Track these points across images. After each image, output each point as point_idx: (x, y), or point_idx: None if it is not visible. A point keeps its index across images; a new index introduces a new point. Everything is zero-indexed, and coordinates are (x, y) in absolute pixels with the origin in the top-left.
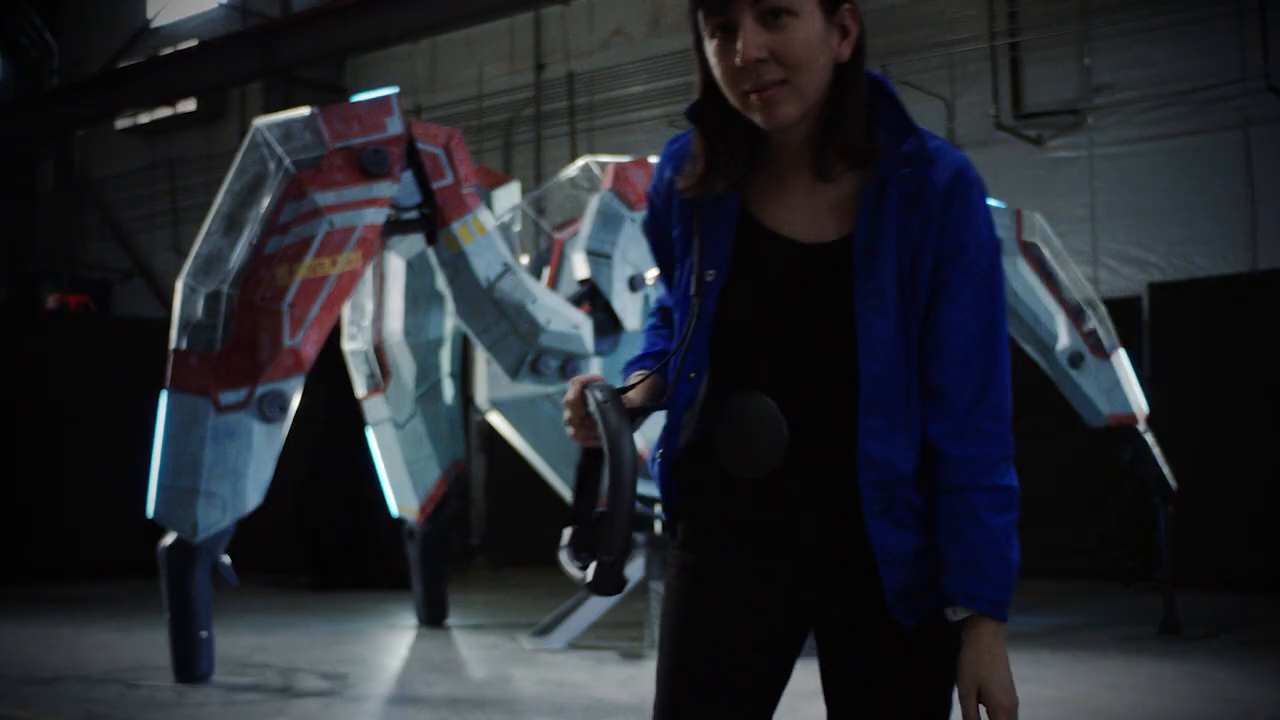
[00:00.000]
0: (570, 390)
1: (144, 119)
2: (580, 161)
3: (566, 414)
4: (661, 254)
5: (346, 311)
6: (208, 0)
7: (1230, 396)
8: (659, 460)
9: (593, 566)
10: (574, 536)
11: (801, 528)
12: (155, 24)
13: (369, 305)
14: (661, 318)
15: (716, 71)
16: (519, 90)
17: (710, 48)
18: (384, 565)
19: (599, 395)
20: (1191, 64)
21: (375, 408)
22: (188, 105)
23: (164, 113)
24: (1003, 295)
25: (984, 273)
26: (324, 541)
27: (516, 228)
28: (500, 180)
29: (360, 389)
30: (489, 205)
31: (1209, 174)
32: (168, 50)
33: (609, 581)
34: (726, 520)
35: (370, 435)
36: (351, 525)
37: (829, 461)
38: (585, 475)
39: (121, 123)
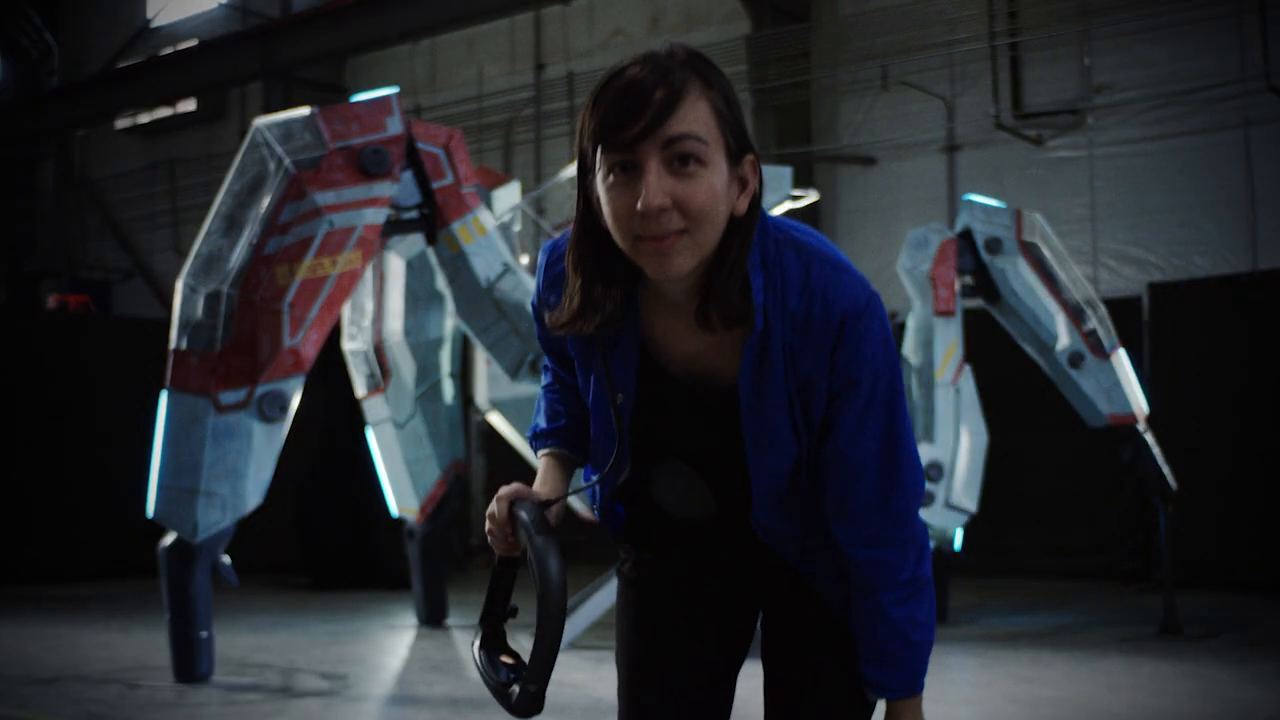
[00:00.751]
0: (496, 508)
1: (144, 119)
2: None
3: (490, 526)
4: (552, 350)
5: (346, 311)
6: (208, 0)
7: (1230, 396)
8: (598, 506)
9: (515, 690)
10: (486, 637)
11: (743, 560)
12: (155, 24)
13: (369, 305)
14: (556, 380)
15: (607, 210)
16: (519, 90)
17: (603, 184)
18: (384, 565)
19: (525, 517)
20: (1191, 64)
21: (375, 408)
22: (188, 105)
23: (164, 113)
24: (902, 404)
25: (882, 395)
26: (324, 541)
27: (517, 227)
28: (500, 180)
29: (360, 389)
30: (489, 205)
31: (1209, 174)
32: (167, 50)
33: (530, 708)
34: (675, 543)
35: (370, 435)
36: (351, 525)
37: (745, 529)
38: (500, 576)
39: (121, 123)
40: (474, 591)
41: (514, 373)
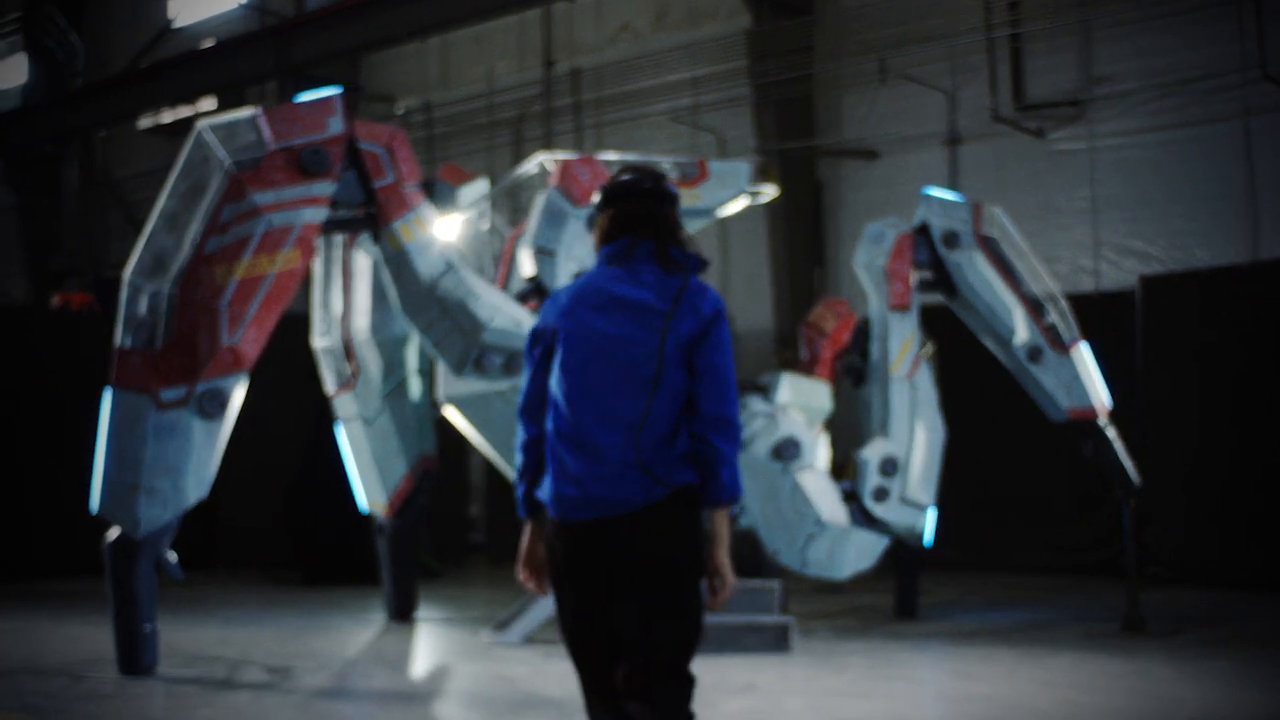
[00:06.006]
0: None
1: (166, 118)
2: (537, 158)
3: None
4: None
5: (317, 309)
6: (228, 0)
7: (1229, 388)
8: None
9: None
10: None
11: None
12: (177, 25)
13: (337, 303)
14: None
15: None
16: (528, 86)
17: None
18: (373, 560)
19: None
20: (1191, 54)
21: (345, 404)
22: (208, 104)
23: (186, 112)
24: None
25: (727, 338)
26: (314, 537)
27: (486, 224)
28: (467, 177)
29: (330, 386)
30: (455, 202)
31: (1209, 165)
32: (188, 50)
33: None
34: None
35: (340, 432)
36: (341, 521)
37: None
38: None
39: (144, 122)
40: (472, 587)
41: (459, 369)
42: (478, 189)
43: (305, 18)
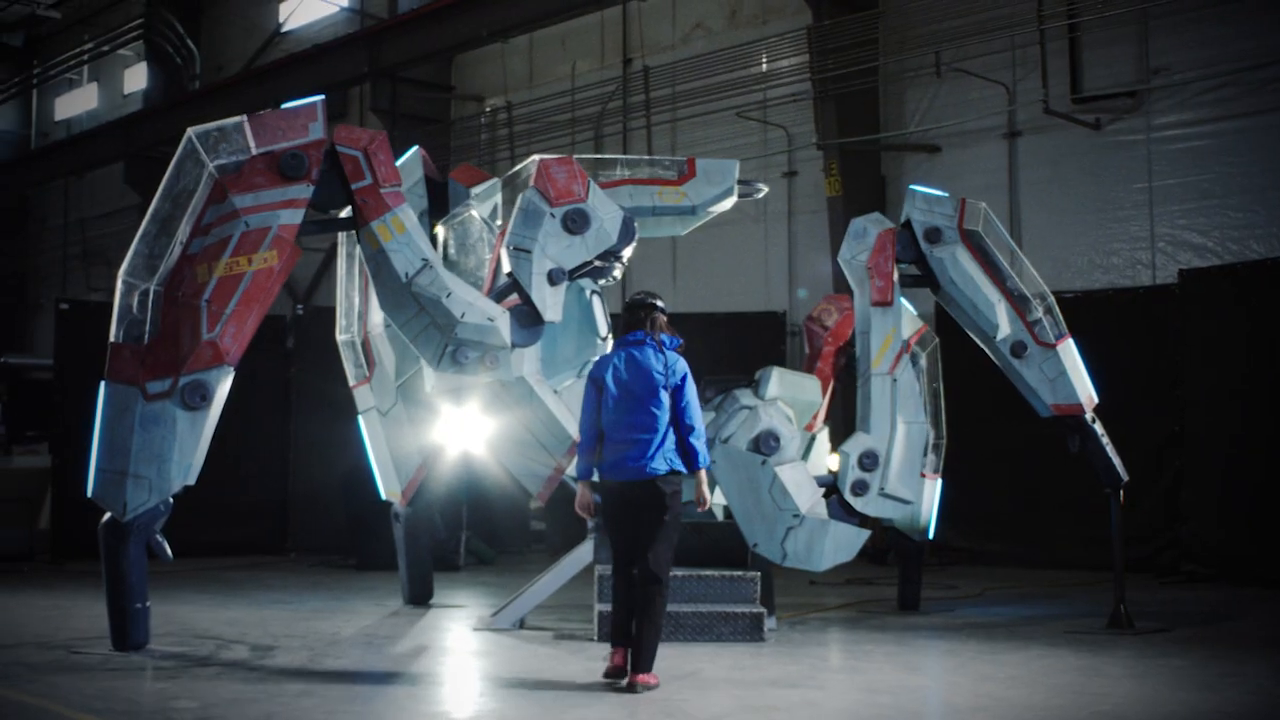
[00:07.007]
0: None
1: None
2: (533, 158)
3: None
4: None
5: (340, 305)
6: (332, 4)
7: (1268, 384)
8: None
9: None
10: None
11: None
12: (286, 28)
13: (356, 299)
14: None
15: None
16: (608, 84)
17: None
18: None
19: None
20: (1248, 44)
21: (363, 397)
22: None
23: None
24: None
25: (692, 387)
26: (367, 526)
27: (498, 221)
28: (481, 178)
29: (351, 379)
30: (469, 202)
31: (1267, 156)
32: (293, 53)
33: None
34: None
35: (361, 423)
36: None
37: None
38: None
39: None
40: (525, 575)
41: (436, 362)
42: (492, 189)
43: (395, 21)
